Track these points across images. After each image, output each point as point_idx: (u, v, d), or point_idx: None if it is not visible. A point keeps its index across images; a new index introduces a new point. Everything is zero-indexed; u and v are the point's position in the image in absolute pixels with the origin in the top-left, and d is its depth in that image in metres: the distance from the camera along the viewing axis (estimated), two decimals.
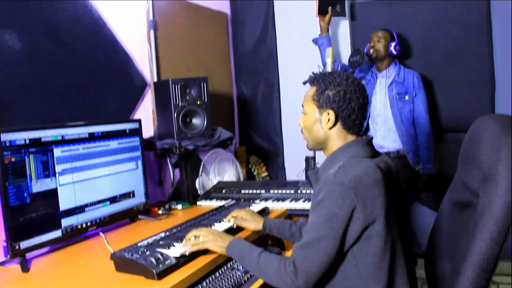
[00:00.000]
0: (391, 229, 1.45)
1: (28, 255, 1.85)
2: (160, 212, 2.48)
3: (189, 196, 2.87)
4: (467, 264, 1.38)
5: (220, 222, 2.06)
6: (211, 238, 1.71)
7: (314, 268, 1.42)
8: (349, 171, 1.43)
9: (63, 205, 1.97)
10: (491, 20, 3.33)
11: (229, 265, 1.81)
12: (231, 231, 1.99)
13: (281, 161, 4.09)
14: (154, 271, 1.51)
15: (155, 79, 2.97)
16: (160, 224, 2.33)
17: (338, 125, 1.59)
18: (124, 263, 1.60)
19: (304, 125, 1.69)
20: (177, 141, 2.61)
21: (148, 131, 2.91)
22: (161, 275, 1.53)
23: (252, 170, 3.92)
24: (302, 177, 3.05)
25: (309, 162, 2.97)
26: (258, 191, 2.77)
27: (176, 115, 2.62)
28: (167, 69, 3.12)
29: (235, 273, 1.74)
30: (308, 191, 2.66)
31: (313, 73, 1.67)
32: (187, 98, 2.68)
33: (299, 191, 2.68)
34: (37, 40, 2.21)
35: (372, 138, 1.66)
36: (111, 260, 1.67)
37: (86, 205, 2.08)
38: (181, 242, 1.76)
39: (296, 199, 2.60)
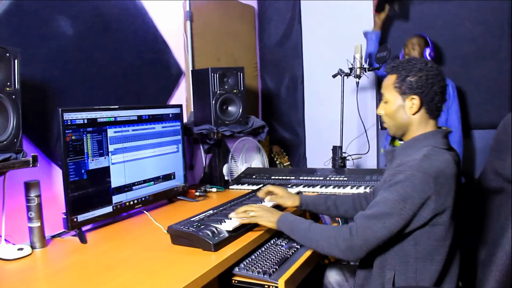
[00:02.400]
0: (455, 220, 1.55)
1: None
2: (197, 194, 2.60)
3: (221, 181, 2.98)
4: (504, 242, 1.49)
5: (261, 203, 2.16)
6: (263, 214, 1.81)
7: (375, 239, 1.51)
8: (434, 161, 1.51)
9: (114, 183, 2.09)
10: None
11: (272, 242, 1.93)
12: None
13: (303, 151, 4.21)
14: (211, 243, 1.63)
15: (190, 68, 3.08)
16: (197, 205, 2.45)
17: (422, 110, 1.63)
18: (181, 236, 1.71)
19: (386, 113, 1.71)
20: (215, 127, 2.73)
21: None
22: (217, 246, 1.65)
23: (275, 159, 4.03)
24: (329, 166, 3.15)
25: (337, 151, 3.08)
26: (288, 177, 2.88)
27: (214, 102, 2.74)
28: (200, 59, 3.23)
29: (279, 248, 1.86)
30: (337, 178, 2.77)
31: (389, 61, 1.72)
32: (225, 86, 2.80)
33: (328, 178, 2.79)
34: (87, 27, 2.33)
35: (451, 131, 1.72)
36: (166, 234, 1.80)
37: (134, 184, 2.20)
38: (231, 218, 1.87)
39: (326, 185, 2.71)
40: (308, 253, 1.83)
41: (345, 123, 3.27)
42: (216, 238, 1.67)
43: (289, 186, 2.73)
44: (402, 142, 1.76)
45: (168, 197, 2.48)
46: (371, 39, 3.50)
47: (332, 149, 3.13)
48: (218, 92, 2.76)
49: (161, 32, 2.85)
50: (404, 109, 1.66)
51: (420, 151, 1.57)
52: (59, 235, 1.94)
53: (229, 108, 2.88)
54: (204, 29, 3.32)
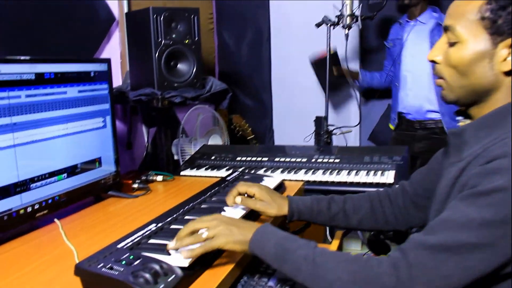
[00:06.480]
0: None
1: None
2: (135, 186, 1.85)
3: (168, 164, 2.25)
4: None
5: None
6: (223, 231, 1.05)
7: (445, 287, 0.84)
8: None
9: None
10: None
11: (246, 278, 1.22)
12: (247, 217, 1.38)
13: (269, 123, 3.55)
14: None
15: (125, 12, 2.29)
16: (136, 204, 1.71)
17: None
18: (98, 282, 0.97)
19: (452, 61, 1.00)
20: (159, 92, 1.97)
21: (116, 79, 2.24)
22: None
23: (236, 131, 3.32)
24: (311, 142, 2.47)
25: (321, 123, 2.39)
26: (259, 158, 2.19)
27: (158, 57, 1.98)
28: (139, 2, 2.45)
29: (264, 284, 1.16)
30: (326, 160, 2.09)
31: None
32: (173, 35, 2.02)
33: (313, 160, 2.11)
34: None
35: None
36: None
37: (33, 180, 1.42)
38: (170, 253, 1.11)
39: (313, 170, 2.03)
40: None
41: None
42: (162, 285, 0.94)
43: (262, 171, 2.04)
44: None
45: (93, 194, 1.72)
46: None
47: (315, 121, 2.43)
48: (163, 42, 1.98)
49: None
50: (491, 61, 0.95)
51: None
52: None
53: (179, 65, 2.11)
54: None
